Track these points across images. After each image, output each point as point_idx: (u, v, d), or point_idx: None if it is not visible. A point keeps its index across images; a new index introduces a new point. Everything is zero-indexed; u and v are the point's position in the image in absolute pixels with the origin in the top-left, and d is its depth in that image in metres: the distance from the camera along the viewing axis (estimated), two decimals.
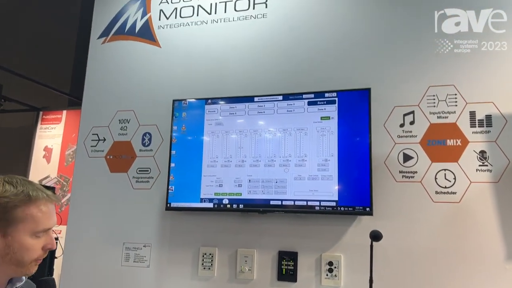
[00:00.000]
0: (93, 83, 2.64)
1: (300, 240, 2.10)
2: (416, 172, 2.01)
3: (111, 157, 2.50)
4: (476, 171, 1.94)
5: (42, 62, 4.44)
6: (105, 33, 2.68)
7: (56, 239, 1.16)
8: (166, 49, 2.54)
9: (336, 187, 2.01)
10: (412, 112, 2.06)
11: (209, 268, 2.19)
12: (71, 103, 4.38)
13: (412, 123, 2.05)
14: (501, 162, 1.91)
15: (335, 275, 2.02)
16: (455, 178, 1.95)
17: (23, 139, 4.30)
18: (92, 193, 2.47)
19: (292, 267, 2.08)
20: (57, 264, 2.55)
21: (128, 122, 2.51)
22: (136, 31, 2.61)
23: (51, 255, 2.49)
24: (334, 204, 2.00)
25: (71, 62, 4.40)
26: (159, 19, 2.59)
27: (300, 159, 2.09)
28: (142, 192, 2.39)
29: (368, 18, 2.22)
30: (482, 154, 1.94)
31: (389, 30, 2.18)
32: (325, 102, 2.10)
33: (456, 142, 1.98)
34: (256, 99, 2.21)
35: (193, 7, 2.54)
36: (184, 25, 2.53)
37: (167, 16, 2.58)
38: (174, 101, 2.34)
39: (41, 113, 4.28)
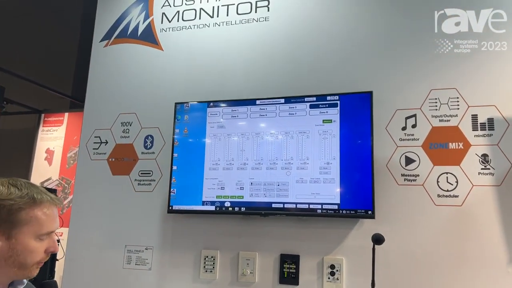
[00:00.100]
0: (95, 85, 2.65)
1: (302, 243, 2.10)
2: (418, 175, 2.01)
3: (113, 159, 2.50)
4: (478, 174, 1.94)
5: (45, 64, 4.45)
6: (107, 36, 2.69)
7: (58, 241, 1.16)
8: (168, 52, 2.54)
9: (338, 190, 2.01)
10: (414, 115, 2.06)
11: (211, 271, 2.19)
12: (73, 106, 4.39)
13: (414, 126, 2.06)
14: (503, 165, 1.91)
15: (337, 278, 2.02)
16: (457, 182, 1.95)
17: (25, 141, 4.31)
18: (94, 195, 2.48)
19: (294, 270, 2.08)
20: (59, 266, 2.55)
21: (130, 125, 2.52)
22: (139, 34, 2.62)
23: (53, 258, 2.49)
24: (336, 207, 2.00)
25: (73, 64, 4.41)
26: (161, 22, 2.59)
27: (302, 162, 2.09)
28: (144, 195, 2.39)
29: (369, 20, 2.23)
30: (484, 158, 1.94)
31: (390, 32, 2.18)
32: (327, 105, 2.11)
33: (458, 145, 1.98)
34: (258, 102, 2.21)
35: (195, 10, 2.55)
36: (186, 28, 2.54)
37: (169, 19, 2.58)
38: (176, 104, 2.34)
39: (43, 115, 4.28)
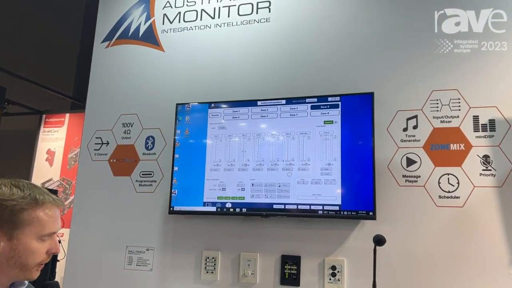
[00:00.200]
0: (96, 86, 2.65)
1: (303, 244, 2.10)
2: (419, 176, 2.00)
3: (115, 160, 2.50)
4: (480, 175, 1.94)
5: (46, 65, 4.46)
6: (108, 37, 2.69)
7: (59, 242, 1.16)
8: (170, 53, 2.55)
9: (339, 191, 2.01)
10: (416, 117, 2.06)
11: (212, 272, 2.19)
12: (74, 107, 4.40)
13: (415, 127, 2.06)
14: (505, 166, 1.91)
15: (338, 280, 2.01)
16: (458, 183, 1.95)
17: (26, 142, 4.31)
18: (95, 196, 2.48)
19: (295, 271, 2.08)
20: (60, 267, 2.56)
21: (131, 126, 2.52)
22: (140, 35, 2.62)
23: (54, 258, 2.50)
24: (337, 208, 2.00)
25: (74, 65, 4.42)
26: (163, 23, 2.60)
27: (303, 163, 2.09)
28: (145, 196, 2.39)
29: (369, 21, 2.23)
30: (486, 159, 1.94)
31: (390, 32, 2.18)
32: (328, 106, 2.11)
33: (460, 146, 1.98)
34: (259, 103, 2.21)
35: (196, 11, 2.55)
36: (188, 29, 2.54)
37: (171, 20, 2.59)
38: (177, 105, 2.34)
39: (44, 116, 4.29)
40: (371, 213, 1.94)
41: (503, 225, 1.86)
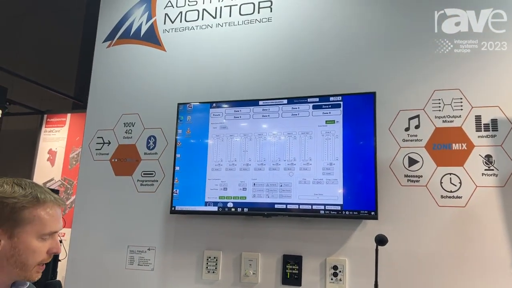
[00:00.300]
0: (98, 86, 2.65)
1: (304, 244, 2.10)
2: (421, 176, 2.00)
3: (116, 160, 2.50)
4: (482, 175, 1.93)
5: (47, 65, 4.46)
6: (110, 37, 2.69)
7: (60, 241, 1.16)
8: (171, 53, 2.55)
9: (341, 191, 2.00)
10: (417, 116, 2.06)
11: (213, 272, 2.19)
12: (75, 107, 4.41)
13: (417, 127, 2.05)
14: (507, 166, 1.91)
15: (340, 279, 2.01)
16: (460, 183, 1.95)
17: (27, 142, 4.32)
18: (97, 196, 2.48)
19: (297, 271, 2.07)
20: (61, 267, 2.56)
21: (133, 126, 2.52)
22: (141, 35, 2.62)
23: (55, 258, 2.50)
24: (339, 208, 1.99)
25: (75, 65, 4.42)
26: (164, 23, 2.60)
27: (305, 162, 2.09)
28: (147, 195, 2.39)
29: (370, 20, 2.22)
30: (488, 158, 1.93)
31: (390, 32, 2.18)
32: (330, 106, 2.10)
33: (462, 146, 1.97)
34: (260, 102, 2.21)
35: (198, 11, 2.55)
36: (189, 29, 2.54)
37: (172, 20, 2.59)
38: (179, 104, 2.34)
39: (45, 116, 4.30)
40: (373, 213, 1.94)
41: (505, 225, 1.86)
